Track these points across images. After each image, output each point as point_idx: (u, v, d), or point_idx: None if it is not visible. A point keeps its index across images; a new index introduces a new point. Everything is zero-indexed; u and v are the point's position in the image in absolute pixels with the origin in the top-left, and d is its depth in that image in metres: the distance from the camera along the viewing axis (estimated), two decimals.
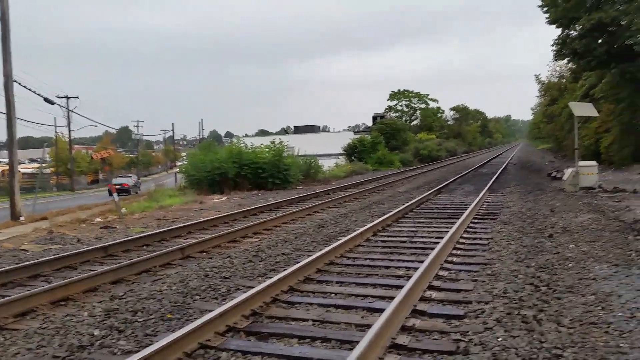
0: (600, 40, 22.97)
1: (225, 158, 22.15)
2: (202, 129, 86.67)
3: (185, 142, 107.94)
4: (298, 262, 6.51)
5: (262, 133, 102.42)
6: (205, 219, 11.69)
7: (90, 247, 8.45)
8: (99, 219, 13.32)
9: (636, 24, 20.29)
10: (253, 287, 5.30)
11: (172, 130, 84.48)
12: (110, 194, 15.75)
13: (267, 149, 23.69)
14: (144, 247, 8.93)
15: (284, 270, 6.13)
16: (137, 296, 5.69)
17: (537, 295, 5.19)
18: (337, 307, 5.07)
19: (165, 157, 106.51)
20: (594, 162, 17.51)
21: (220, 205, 16.33)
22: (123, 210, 14.26)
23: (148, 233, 9.86)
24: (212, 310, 4.56)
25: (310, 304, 5.17)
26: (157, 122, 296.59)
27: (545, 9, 24.02)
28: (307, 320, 4.69)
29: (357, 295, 5.43)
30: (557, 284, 5.66)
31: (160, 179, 58.68)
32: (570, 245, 7.67)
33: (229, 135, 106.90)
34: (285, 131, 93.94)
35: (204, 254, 8.16)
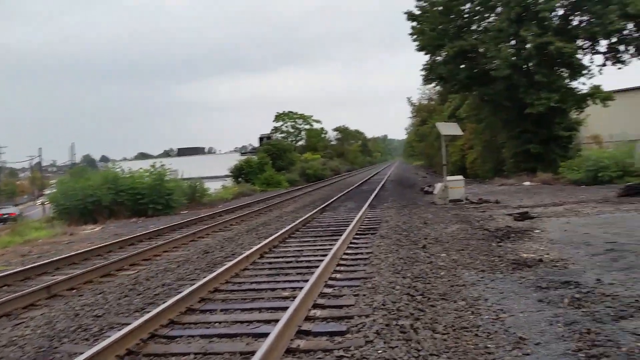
0: (462, 66, 25.42)
1: (99, 184, 20.70)
2: (74, 154, 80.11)
3: (55, 169, 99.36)
4: (179, 293, 6.22)
5: (143, 156, 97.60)
6: (76, 252, 10.76)
7: None
8: None
9: (491, 51, 22.78)
10: (129, 324, 4.96)
11: (39, 155, 77.17)
12: None
13: (147, 173, 22.58)
14: (4, 287, 7.99)
15: (164, 302, 5.82)
16: None
17: (414, 304, 5.47)
18: (221, 336, 4.91)
19: (32, 185, 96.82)
20: (460, 177, 19.16)
21: (93, 236, 15.19)
22: None
23: (9, 272, 8.83)
24: (82, 353, 4.18)
25: (192, 336, 4.95)
26: (23, 148, 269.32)
27: (414, 37, 26.05)
28: (188, 354, 4.47)
29: (242, 322, 5.31)
30: (431, 292, 6.03)
31: (27, 210, 53.28)
32: (442, 255, 8.24)
33: (104, 159, 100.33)
34: (167, 154, 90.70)
35: (74, 291, 7.49)
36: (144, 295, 6.78)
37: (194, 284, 6.55)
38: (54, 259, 9.86)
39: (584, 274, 6.29)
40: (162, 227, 14.55)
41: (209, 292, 6.50)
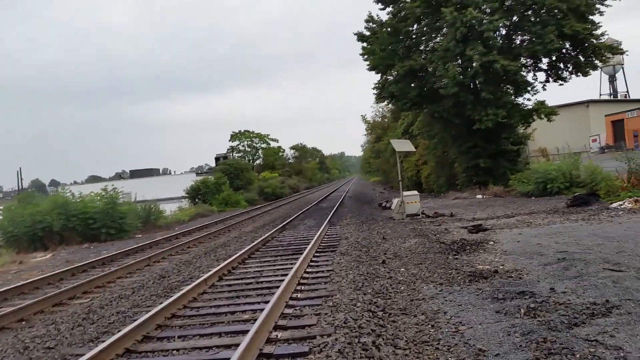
0: (412, 85, 26.08)
1: (49, 210, 19.85)
2: (21, 179, 76.94)
3: (1, 195, 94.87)
4: (135, 320, 6.01)
5: (94, 179, 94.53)
6: (26, 281, 10.24)
7: None
8: None
9: (439, 70, 23.49)
10: (82, 355, 4.74)
11: None
12: None
13: (99, 197, 21.86)
14: None
15: (119, 331, 5.60)
16: None
17: (375, 320, 5.49)
18: None
19: None
20: (415, 192, 19.52)
21: (44, 264, 14.51)
22: None
23: None
24: None
25: None
26: None
27: (365, 57, 26.59)
28: None
29: (201, 348, 5.17)
30: (391, 307, 6.07)
31: None
32: (401, 269, 8.32)
33: (54, 183, 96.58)
34: (120, 176, 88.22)
35: (23, 322, 7.13)
36: (98, 324, 6.52)
37: (150, 311, 6.34)
38: (2, 289, 9.35)
39: (538, 284, 6.48)
40: (115, 253, 14.07)
41: (166, 319, 6.31)
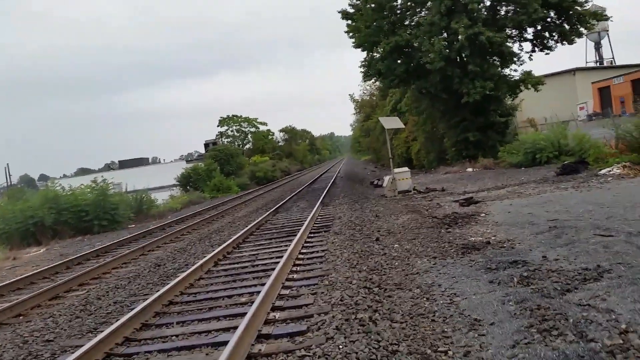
0: (399, 61, 25.91)
1: (40, 205, 19.70)
2: (9, 175, 76.09)
3: None
4: (133, 309, 6.02)
5: (83, 172, 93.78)
6: (21, 276, 10.22)
7: None
8: None
9: (425, 45, 23.36)
10: (82, 346, 4.76)
11: None
12: None
13: (89, 189, 21.71)
14: None
15: (117, 320, 5.62)
16: None
17: (371, 297, 5.54)
18: (179, 349, 4.80)
19: None
20: (406, 168, 19.56)
21: (38, 258, 14.46)
22: None
23: None
24: None
25: (150, 352, 4.81)
26: None
27: (350, 35, 26.34)
28: None
29: (200, 333, 5.21)
30: (387, 283, 6.13)
31: None
32: (395, 246, 8.39)
33: (43, 178, 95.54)
34: (109, 167, 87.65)
35: (21, 317, 7.12)
36: (95, 315, 6.53)
37: (147, 299, 6.36)
38: None
39: (531, 253, 6.57)
40: (109, 244, 14.04)
41: (163, 306, 6.33)
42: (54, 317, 6.70)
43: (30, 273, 10.48)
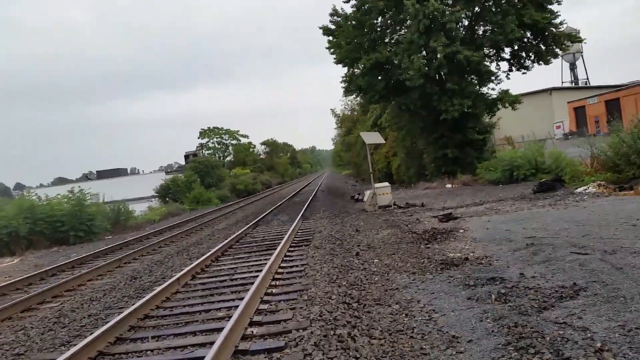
0: (379, 77, 26.19)
1: (14, 214, 19.26)
2: None
3: None
4: (107, 322, 5.89)
5: (61, 181, 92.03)
6: None
7: None
8: None
9: (405, 62, 23.67)
10: None
11: None
12: None
13: (66, 199, 21.32)
14: None
15: (91, 334, 5.49)
16: None
17: (350, 312, 5.52)
18: None
19: None
20: (387, 183, 19.70)
21: (11, 269, 14.08)
22: None
23: None
24: None
25: None
26: None
27: (331, 50, 26.57)
28: None
29: (176, 348, 5.11)
30: (366, 298, 6.12)
31: None
32: (375, 260, 8.39)
33: (19, 187, 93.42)
34: (87, 177, 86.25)
35: None
36: (69, 328, 6.37)
37: (122, 312, 6.23)
38: None
39: (508, 269, 6.63)
40: (85, 255, 13.76)
41: (139, 320, 6.21)
42: (26, 330, 6.51)
43: (2, 284, 10.20)
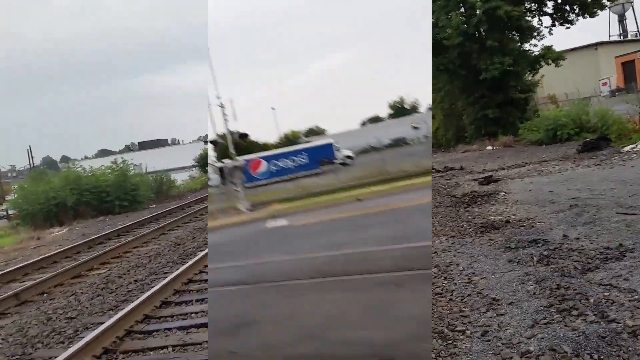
0: None
1: (61, 186, 20.07)
2: (32, 157, 77.52)
3: (15, 174, 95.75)
4: (152, 287, 6.12)
5: (104, 153, 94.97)
6: (44, 255, 10.47)
7: None
8: None
9: (442, 20, 22.91)
10: (103, 323, 4.86)
11: None
12: None
13: (110, 170, 22.02)
14: None
15: (137, 298, 5.72)
16: None
17: None
18: (198, 326, 4.87)
19: None
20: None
21: (61, 238, 14.78)
22: None
23: None
24: (56, 357, 4.09)
25: (169, 329, 4.90)
26: None
27: None
28: (166, 347, 4.43)
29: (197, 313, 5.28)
30: None
31: None
32: None
33: (64, 159, 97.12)
34: (129, 148, 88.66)
35: (45, 295, 7.31)
36: (117, 293, 6.67)
37: (166, 277, 6.46)
38: (21, 265, 9.60)
39: (551, 232, 6.47)
40: (130, 224, 14.27)
41: (183, 284, 6.43)
42: (76, 295, 6.86)
43: (53, 252, 10.73)
